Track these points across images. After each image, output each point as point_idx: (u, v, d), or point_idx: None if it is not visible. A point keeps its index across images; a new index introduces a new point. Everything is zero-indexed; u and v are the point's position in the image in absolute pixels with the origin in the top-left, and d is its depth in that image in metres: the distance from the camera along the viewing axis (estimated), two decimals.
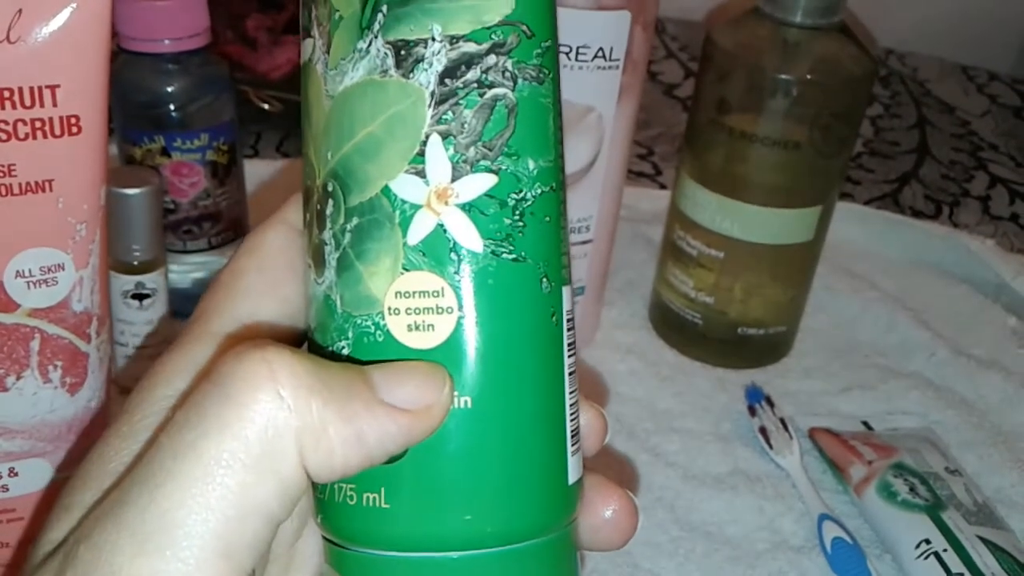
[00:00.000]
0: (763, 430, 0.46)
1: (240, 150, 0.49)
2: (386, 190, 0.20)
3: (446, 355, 0.20)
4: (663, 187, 0.69)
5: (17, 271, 0.29)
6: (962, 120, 0.84)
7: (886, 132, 0.81)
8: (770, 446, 0.46)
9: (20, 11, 0.27)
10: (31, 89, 0.27)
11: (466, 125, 0.20)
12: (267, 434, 0.18)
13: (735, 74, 0.46)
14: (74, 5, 0.27)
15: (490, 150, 0.20)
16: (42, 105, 0.27)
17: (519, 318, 0.20)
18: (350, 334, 0.20)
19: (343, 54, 0.20)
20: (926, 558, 0.39)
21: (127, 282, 0.42)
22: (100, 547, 0.18)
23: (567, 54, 0.42)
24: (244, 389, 0.18)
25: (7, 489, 0.31)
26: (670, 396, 0.50)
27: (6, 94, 0.27)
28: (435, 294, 0.20)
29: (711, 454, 0.46)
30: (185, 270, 0.49)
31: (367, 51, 0.20)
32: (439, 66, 0.20)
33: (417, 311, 0.20)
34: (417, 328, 0.20)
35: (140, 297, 0.42)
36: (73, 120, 0.28)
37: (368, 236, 0.20)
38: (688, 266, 0.50)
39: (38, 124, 0.27)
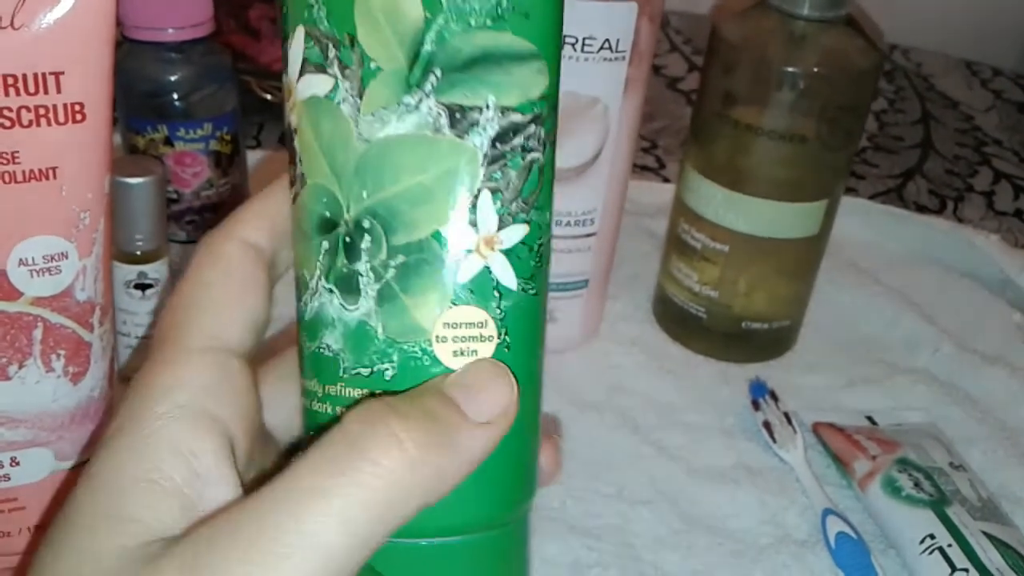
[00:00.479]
0: (767, 424, 0.46)
1: (243, 140, 0.49)
2: (437, 234, 0.22)
3: None
4: (667, 181, 0.68)
5: (20, 259, 0.29)
6: (966, 115, 0.84)
7: (890, 127, 0.81)
8: (774, 440, 0.46)
9: None
10: (35, 75, 0.27)
11: (511, 184, 0.22)
12: (392, 491, 0.20)
13: (741, 67, 0.46)
14: None
15: (526, 205, 0.23)
16: (46, 92, 0.27)
17: (535, 342, 0.24)
18: (395, 358, 0.23)
19: (384, 103, 0.22)
20: (930, 553, 0.39)
21: (130, 272, 0.42)
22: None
23: (573, 45, 0.42)
24: (372, 445, 0.20)
25: (9, 479, 0.31)
26: (673, 390, 0.50)
27: (10, 80, 0.27)
28: (479, 325, 0.23)
29: (715, 448, 0.46)
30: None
31: (416, 107, 0.22)
32: (491, 131, 0.22)
33: (463, 339, 0.23)
34: (462, 354, 0.23)
35: (143, 287, 0.42)
36: (77, 107, 0.28)
37: (416, 273, 0.22)
38: (692, 259, 0.50)
39: (42, 111, 0.27)
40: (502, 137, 0.22)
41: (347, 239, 0.22)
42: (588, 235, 0.47)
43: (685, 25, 0.94)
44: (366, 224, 0.22)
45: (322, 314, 0.23)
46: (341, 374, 0.23)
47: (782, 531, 0.42)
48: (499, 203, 0.22)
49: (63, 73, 0.27)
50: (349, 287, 0.23)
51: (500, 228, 0.23)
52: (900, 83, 0.89)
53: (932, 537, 0.39)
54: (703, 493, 0.44)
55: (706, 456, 0.46)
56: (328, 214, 0.23)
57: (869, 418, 0.49)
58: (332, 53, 0.22)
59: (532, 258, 0.23)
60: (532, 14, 0.22)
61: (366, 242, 0.22)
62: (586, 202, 0.46)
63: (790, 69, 0.44)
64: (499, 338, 0.23)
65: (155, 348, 0.23)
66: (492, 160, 0.22)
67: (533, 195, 0.23)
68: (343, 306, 0.23)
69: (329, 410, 0.23)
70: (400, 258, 0.22)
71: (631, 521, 0.42)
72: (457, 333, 0.23)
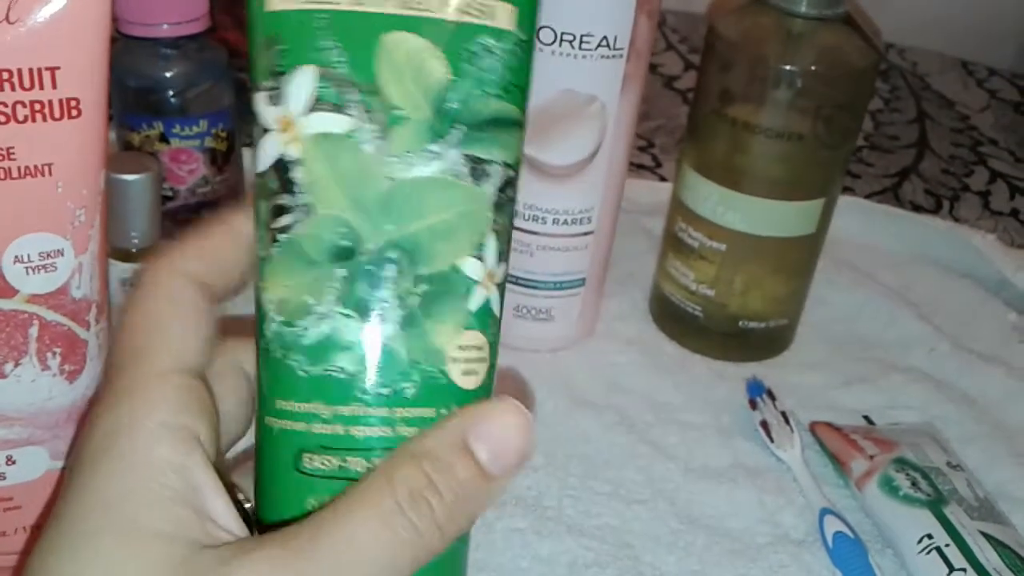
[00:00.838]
0: (764, 423, 0.46)
1: (239, 137, 0.49)
2: (455, 267, 0.25)
3: (483, 392, 0.26)
4: (663, 179, 0.68)
5: (16, 256, 0.28)
6: (962, 115, 0.84)
7: (886, 126, 0.81)
8: (771, 439, 0.46)
9: None
10: (30, 71, 0.27)
11: (505, 228, 0.26)
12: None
13: (738, 65, 0.46)
14: None
15: (507, 248, 0.26)
16: (42, 87, 0.27)
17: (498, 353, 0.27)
18: (416, 378, 0.25)
19: (409, 148, 0.24)
20: (928, 553, 0.39)
21: (125, 269, 0.42)
22: None
23: (571, 42, 0.41)
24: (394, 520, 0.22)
25: (5, 477, 0.31)
26: (670, 389, 0.50)
27: (5, 76, 0.26)
28: (480, 348, 0.26)
29: (712, 447, 0.46)
30: None
31: (441, 155, 0.24)
32: (498, 182, 0.25)
33: (469, 361, 0.25)
34: (468, 373, 0.25)
35: None
36: (73, 103, 0.28)
37: (438, 302, 0.25)
38: (689, 258, 0.50)
39: (37, 107, 0.27)
40: (503, 188, 0.25)
41: (370, 267, 0.24)
42: (585, 233, 0.47)
43: (681, 23, 0.94)
44: (391, 254, 0.24)
45: (335, 337, 0.24)
46: (358, 395, 0.24)
47: (779, 531, 0.42)
48: (498, 243, 0.25)
49: (58, 68, 0.27)
50: (371, 312, 0.24)
51: (497, 265, 0.26)
52: (896, 82, 0.89)
53: (930, 537, 0.39)
54: (700, 492, 0.44)
55: (703, 455, 0.46)
56: (346, 243, 0.24)
57: (866, 417, 0.49)
58: (353, 96, 0.24)
59: (503, 295, 0.26)
60: (523, 90, 0.25)
61: (391, 271, 0.24)
62: (583, 200, 0.46)
63: (787, 67, 0.44)
64: (490, 361, 0.26)
65: (116, 375, 0.24)
66: (497, 207, 0.25)
67: (510, 241, 0.26)
68: (363, 330, 0.24)
69: (340, 430, 0.24)
70: (424, 287, 0.24)
71: (628, 520, 0.42)
72: (466, 355, 0.25)
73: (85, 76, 0.28)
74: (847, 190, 0.69)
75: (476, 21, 0.24)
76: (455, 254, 0.25)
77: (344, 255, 0.24)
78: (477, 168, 0.25)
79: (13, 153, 0.27)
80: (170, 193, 0.47)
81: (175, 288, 0.25)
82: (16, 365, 0.29)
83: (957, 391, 0.51)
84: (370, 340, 0.24)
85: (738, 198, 0.47)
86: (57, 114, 0.27)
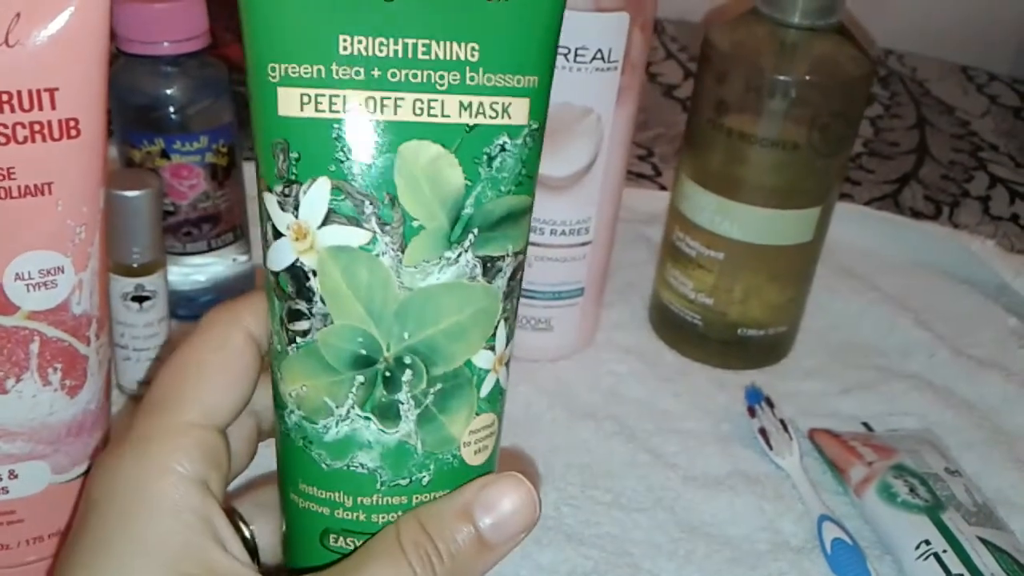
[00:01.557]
0: (763, 431, 0.46)
1: (239, 152, 0.49)
2: (468, 362, 0.26)
3: (492, 464, 0.27)
4: (663, 188, 0.69)
5: (16, 274, 0.29)
6: (962, 120, 0.84)
7: (886, 132, 0.81)
8: (770, 447, 0.46)
9: (19, 14, 0.27)
10: (30, 92, 0.27)
11: (514, 310, 0.26)
12: None
13: (733, 75, 0.46)
14: (72, 8, 0.27)
15: (515, 325, 0.27)
16: (41, 108, 0.27)
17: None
18: (431, 467, 0.26)
19: (426, 258, 0.24)
20: (926, 559, 0.39)
21: (127, 284, 0.42)
22: None
23: (566, 56, 0.42)
24: None
25: (7, 491, 0.31)
26: (670, 397, 0.50)
27: (5, 97, 0.27)
28: (490, 426, 0.27)
29: (711, 455, 0.46)
30: (185, 272, 0.49)
31: (456, 260, 0.25)
32: (508, 273, 0.26)
33: (480, 440, 0.26)
34: (479, 451, 0.26)
35: (140, 299, 0.43)
36: (72, 123, 0.28)
37: (452, 396, 0.26)
38: (687, 267, 0.50)
39: (37, 127, 0.27)
40: (513, 275, 0.26)
41: (387, 374, 0.25)
42: (583, 244, 0.48)
43: (680, 33, 0.95)
44: (407, 360, 0.25)
45: (355, 438, 0.25)
46: (378, 487, 0.26)
47: (779, 538, 0.42)
48: (507, 328, 0.26)
49: (57, 89, 0.27)
50: (389, 414, 0.25)
51: (506, 347, 0.26)
52: (895, 88, 0.89)
53: (927, 543, 0.40)
54: (700, 500, 0.44)
55: (702, 463, 0.46)
56: (364, 352, 0.25)
57: (865, 424, 0.49)
58: (369, 210, 0.24)
59: (508, 366, 0.27)
60: (535, 176, 0.26)
61: (407, 375, 0.25)
62: (581, 211, 0.47)
63: (782, 77, 0.44)
64: (498, 431, 0.27)
65: (151, 411, 0.25)
66: (507, 295, 0.26)
67: (517, 315, 0.27)
68: (382, 430, 0.25)
69: (362, 517, 0.26)
70: (439, 386, 0.25)
71: (628, 529, 0.42)
72: (477, 436, 0.26)
73: (84, 97, 0.28)
74: (847, 197, 0.70)
75: (492, 123, 0.24)
76: (468, 351, 0.25)
77: (362, 363, 0.25)
78: (490, 267, 0.25)
79: (13, 173, 0.28)
80: (171, 208, 0.47)
81: (233, 345, 0.26)
82: (18, 381, 0.30)
83: (956, 397, 0.51)
84: (388, 439, 0.25)
85: (735, 207, 0.47)
86: (56, 134, 0.28)
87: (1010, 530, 0.41)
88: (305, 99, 0.23)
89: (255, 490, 0.29)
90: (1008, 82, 0.92)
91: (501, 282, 0.25)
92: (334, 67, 0.23)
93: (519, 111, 0.24)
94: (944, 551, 0.39)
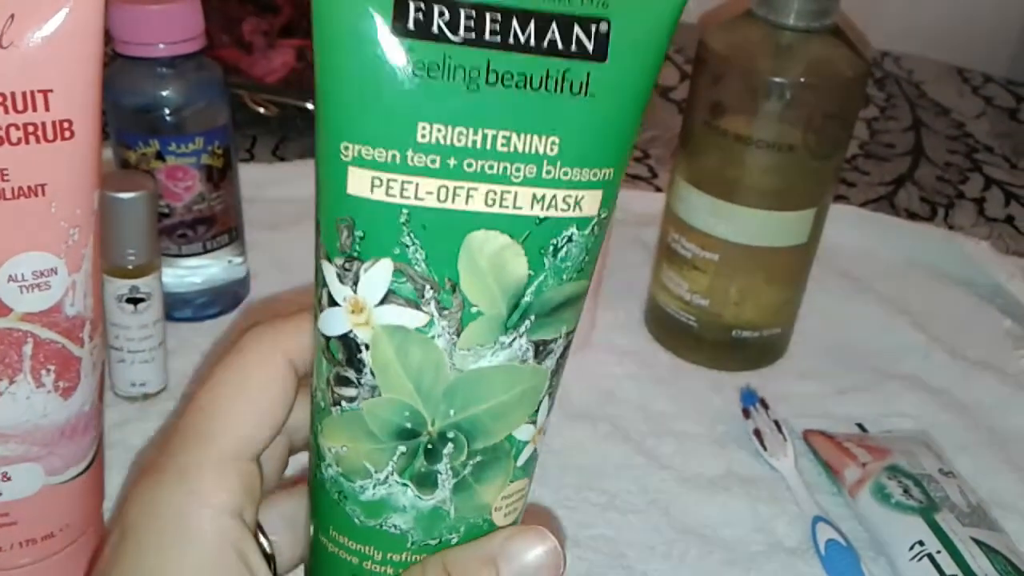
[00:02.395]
0: (757, 432, 0.46)
1: (235, 154, 0.49)
2: (510, 437, 0.26)
3: (519, 518, 0.27)
4: (659, 190, 0.69)
5: (10, 275, 0.29)
6: (957, 122, 0.85)
7: (881, 134, 0.81)
8: (764, 448, 0.46)
9: (12, 16, 0.27)
10: (24, 94, 0.27)
11: (559, 384, 0.26)
12: None
13: (728, 77, 0.46)
14: (67, 10, 0.27)
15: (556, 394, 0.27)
16: (35, 110, 0.27)
17: None
18: (461, 530, 0.26)
19: (480, 342, 0.24)
20: (920, 560, 0.39)
21: (122, 286, 0.42)
22: None
23: None
24: None
25: (0, 494, 0.31)
26: (665, 398, 0.50)
27: None
28: (521, 491, 0.27)
29: (706, 456, 0.46)
30: (180, 274, 0.50)
31: (510, 344, 0.24)
32: (559, 352, 0.25)
33: (512, 504, 0.27)
34: (509, 514, 0.27)
35: (135, 301, 0.43)
36: (66, 125, 0.28)
37: (489, 467, 0.26)
38: (683, 269, 0.50)
39: (31, 129, 0.27)
40: (563, 354, 0.26)
41: (429, 447, 0.25)
42: None
43: (677, 35, 0.95)
44: (450, 435, 0.25)
45: (391, 501, 0.26)
46: (409, 545, 0.26)
47: (773, 539, 0.42)
48: (550, 401, 0.26)
49: (51, 91, 0.27)
50: (426, 483, 0.26)
51: (547, 418, 0.27)
52: (891, 90, 0.89)
53: (921, 544, 0.40)
54: (694, 502, 0.44)
55: (697, 465, 0.46)
56: (409, 426, 0.25)
57: (859, 425, 0.49)
58: (430, 294, 0.23)
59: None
60: (595, 259, 0.25)
61: (448, 449, 0.25)
62: None
63: (777, 79, 0.44)
64: (528, 489, 0.27)
65: (192, 438, 0.25)
66: (554, 373, 0.26)
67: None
68: (418, 497, 0.26)
69: (390, 571, 0.26)
70: (478, 458, 0.26)
71: (623, 530, 0.42)
72: (509, 501, 0.27)
73: (78, 98, 0.28)
74: (843, 198, 0.70)
75: (563, 215, 0.23)
76: (511, 427, 0.25)
77: (405, 435, 0.25)
78: (542, 349, 0.25)
79: (7, 174, 0.28)
80: (167, 210, 0.47)
81: (275, 373, 0.26)
82: (11, 383, 0.30)
83: (951, 398, 0.51)
84: (424, 504, 0.26)
85: (730, 209, 0.47)
86: (50, 136, 0.28)
87: (1004, 531, 0.42)
88: (376, 182, 0.22)
89: (279, 501, 0.29)
90: (1003, 84, 0.92)
91: (551, 361, 0.25)
92: (409, 153, 0.22)
93: (591, 203, 0.24)
94: (938, 552, 0.39)
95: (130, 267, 0.42)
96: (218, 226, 0.49)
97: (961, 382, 0.52)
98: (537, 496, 0.43)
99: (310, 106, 0.66)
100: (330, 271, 0.24)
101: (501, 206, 0.23)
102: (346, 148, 0.22)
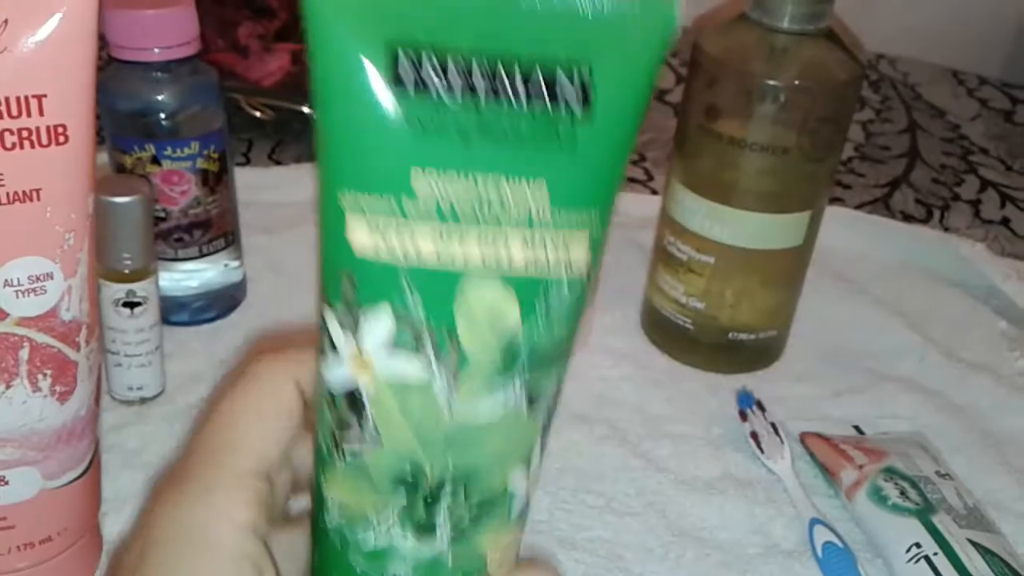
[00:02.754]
0: (754, 435, 0.47)
1: (231, 158, 0.49)
2: (504, 488, 0.26)
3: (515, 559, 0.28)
4: (654, 192, 0.69)
5: (5, 280, 0.29)
6: (952, 124, 0.85)
7: (877, 136, 0.81)
8: (761, 451, 0.46)
9: (6, 21, 0.27)
10: (18, 99, 0.27)
11: (548, 435, 0.27)
12: None
13: (723, 80, 0.46)
14: (60, 15, 0.27)
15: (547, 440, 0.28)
16: (29, 115, 0.27)
17: None
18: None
19: (477, 390, 0.25)
20: (916, 562, 0.39)
21: (118, 290, 0.42)
22: None
23: None
24: None
25: None
26: (662, 401, 0.50)
27: None
28: (516, 537, 0.28)
29: (702, 459, 0.46)
30: (176, 278, 0.50)
31: (505, 395, 0.25)
32: (551, 398, 0.26)
33: (505, 551, 0.27)
34: (504, 564, 0.27)
35: (131, 305, 0.43)
36: (60, 129, 0.28)
37: (486, 518, 0.26)
38: (678, 271, 0.51)
39: (25, 133, 0.28)
40: (552, 408, 0.26)
41: (428, 498, 0.26)
42: None
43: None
44: (449, 487, 0.26)
45: (391, 550, 0.26)
46: None
47: (770, 541, 0.42)
48: (542, 447, 0.27)
49: (45, 96, 0.27)
50: (425, 532, 0.26)
51: (540, 464, 0.27)
52: (886, 92, 0.89)
53: (918, 546, 0.40)
54: (691, 504, 0.44)
55: (694, 467, 0.46)
56: (410, 475, 0.25)
57: (856, 427, 0.49)
58: (428, 343, 0.24)
59: None
60: (585, 305, 0.26)
61: (447, 499, 0.26)
62: None
63: (771, 82, 0.45)
64: (522, 535, 0.28)
65: (212, 456, 0.26)
66: (545, 427, 0.26)
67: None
68: (417, 546, 0.26)
69: None
70: (475, 509, 0.26)
71: (619, 532, 0.42)
72: (504, 549, 0.27)
73: (72, 103, 0.28)
74: (838, 200, 0.70)
75: (553, 259, 0.24)
76: (506, 477, 0.26)
77: (406, 485, 0.25)
78: (535, 401, 0.25)
79: (2, 179, 0.28)
80: (162, 214, 0.47)
81: (284, 392, 0.27)
82: (7, 387, 0.30)
83: (947, 400, 0.51)
84: (421, 554, 0.26)
85: (725, 212, 0.47)
86: (45, 141, 0.28)
87: (1000, 533, 0.42)
88: (374, 230, 0.23)
89: (281, 533, 0.29)
90: (999, 86, 0.93)
91: (543, 415, 0.26)
92: (404, 200, 0.23)
93: (579, 247, 0.24)
94: (935, 554, 0.39)
95: (126, 271, 0.42)
96: (214, 230, 0.49)
97: (957, 384, 0.52)
98: (534, 499, 0.43)
99: (306, 110, 0.66)
100: (331, 317, 0.24)
101: (495, 251, 0.23)
102: (344, 197, 0.23)
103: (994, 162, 0.79)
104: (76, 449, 0.32)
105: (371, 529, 0.26)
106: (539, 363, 0.25)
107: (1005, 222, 0.71)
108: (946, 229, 0.68)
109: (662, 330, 0.53)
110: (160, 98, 0.45)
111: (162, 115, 0.46)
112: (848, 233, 0.64)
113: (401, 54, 0.22)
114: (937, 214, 0.71)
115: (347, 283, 0.24)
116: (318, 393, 0.26)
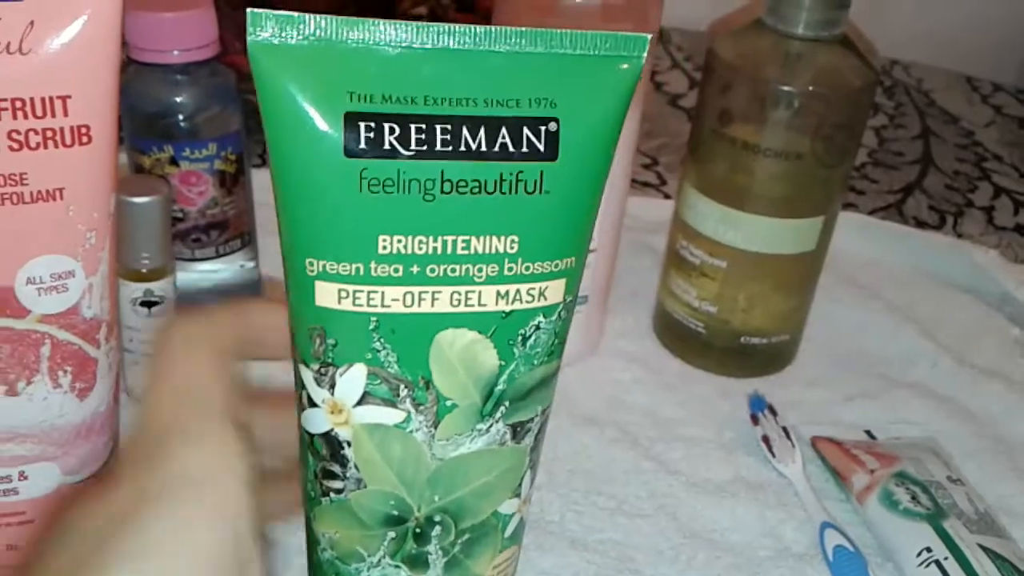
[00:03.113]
0: (766, 439, 0.47)
1: (248, 159, 0.50)
2: (495, 513, 0.27)
3: None
4: (668, 197, 0.69)
5: (28, 278, 0.29)
6: (966, 131, 0.85)
7: (890, 143, 0.81)
8: (773, 454, 0.46)
9: (32, 23, 0.27)
10: (42, 100, 0.28)
11: (539, 455, 0.27)
12: None
13: (737, 85, 0.46)
14: (85, 17, 0.28)
15: (539, 463, 0.28)
16: (53, 115, 0.28)
17: None
18: None
19: (458, 432, 0.25)
20: (927, 566, 0.39)
21: (136, 289, 0.42)
22: None
23: None
24: None
25: (17, 492, 0.32)
26: (674, 404, 0.50)
27: (18, 104, 0.27)
28: (511, 558, 0.28)
29: (714, 462, 0.47)
30: (193, 278, 0.50)
31: (487, 431, 0.25)
32: (536, 429, 0.26)
33: (502, 570, 0.28)
34: (504, 574, 0.28)
35: (149, 304, 0.43)
36: (84, 130, 0.28)
37: (478, 543, 0.27)
38: (691, 275, 0.51)
39: (49, 134, 0.28)
40: (541, 429, 0.27)
41: (417, 531, 0.26)
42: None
43: (687, 42, 0.95)
44: (437, 519, 0.26)
45: None
46: None
47: (781, 544, 0.42)
48: (532, 474, 0.27)
49: (70, 97, 0.28)
50: (417, 563, 0.27)
51: (530, 489, 0.28)
52: (900, 99, 0.89)
53: (929, 550, 0.40)
54: (702, 507, 0.44)
55: (705, 470, 0.46)
56: (396, 513, 0.26)
57: (868, 432, 0.49)
58: (404, 392, 0.24)
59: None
60: (564, 340, 0.26)
61: (436, 531, 0.26)
62: None
63: (785, 88, 0.45)
64: (519, 553, 0.28)
65: (182, 415, 0.24)
66: (533, 448, 0.27)
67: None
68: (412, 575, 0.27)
69: None
70: (466, 536, 0.26)
71: (630, 535, 0.42)
72: (499, 568, 0.28)
73: (95, 104, 0.29)
74: (851, 206, 0.70)
75: (528, 307, 0.24)
76: (495, 504, 0.26)
77: (393, 522, 0.26)
78: (519, 430, 0.25)
79: (26, 178, 0.28)
80: (180, 215, 0.48)
81: (216, 350, 0.26)
82: (28, 383, 0.30)
83: (959, 406, 0.51)
84: None
85: (738, 216, 0.48)
86: (68, 141, 0.28)
87: (1012, 538, 0.42)
88: (343, 294, 0.23)
89: (263, 416, 0.28)
90: (1013, 92, 0.92)
91: (529, 439, 0.26)
92: (372, 265, 0.23)
93: (555, 292, 0.24)
94: (945, 558, 0.39)
95: (144, 271, 0.42)
96: (231, 231, 0.50)
97: (969, 390, 0.52)
98: (546, 501, 0.43)
99: None
100: (307, 375, 0.24)
101: (466, 305, 0.23)
102: (311, 264, 0.23)
103: (1008, 169, 0.79)
104: (95, 445, 0.33)
105: (363, 561, 0.26)
106: (520, 396, 0.25)
107: (1019, 229, 0.70)
108: (959, 235, 0.68)
109: (674, 334, 0.53)
110: (179, 100, 0.46)
111: (181, 117, 0.46)
112: (861, 239, 0.64)
113: (358, 120, 0.21)
114: (950, 220, 0.71)
115: (320, 343, 0.24)
116: (301, 441, 0.26)
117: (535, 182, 0.23)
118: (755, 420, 0.48)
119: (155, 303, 0.43)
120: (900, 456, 0.45)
